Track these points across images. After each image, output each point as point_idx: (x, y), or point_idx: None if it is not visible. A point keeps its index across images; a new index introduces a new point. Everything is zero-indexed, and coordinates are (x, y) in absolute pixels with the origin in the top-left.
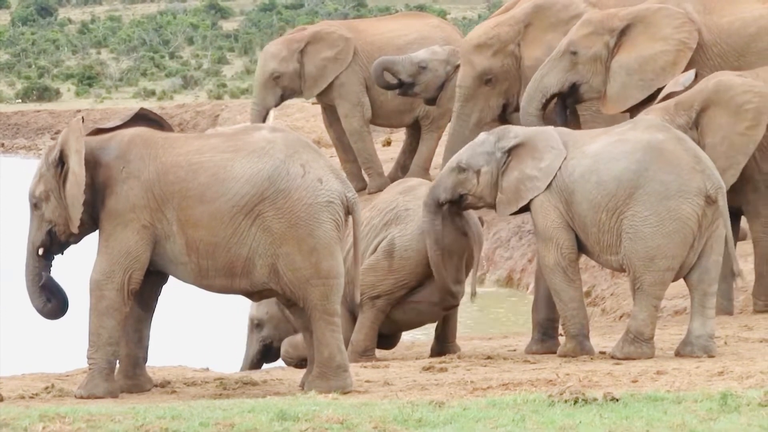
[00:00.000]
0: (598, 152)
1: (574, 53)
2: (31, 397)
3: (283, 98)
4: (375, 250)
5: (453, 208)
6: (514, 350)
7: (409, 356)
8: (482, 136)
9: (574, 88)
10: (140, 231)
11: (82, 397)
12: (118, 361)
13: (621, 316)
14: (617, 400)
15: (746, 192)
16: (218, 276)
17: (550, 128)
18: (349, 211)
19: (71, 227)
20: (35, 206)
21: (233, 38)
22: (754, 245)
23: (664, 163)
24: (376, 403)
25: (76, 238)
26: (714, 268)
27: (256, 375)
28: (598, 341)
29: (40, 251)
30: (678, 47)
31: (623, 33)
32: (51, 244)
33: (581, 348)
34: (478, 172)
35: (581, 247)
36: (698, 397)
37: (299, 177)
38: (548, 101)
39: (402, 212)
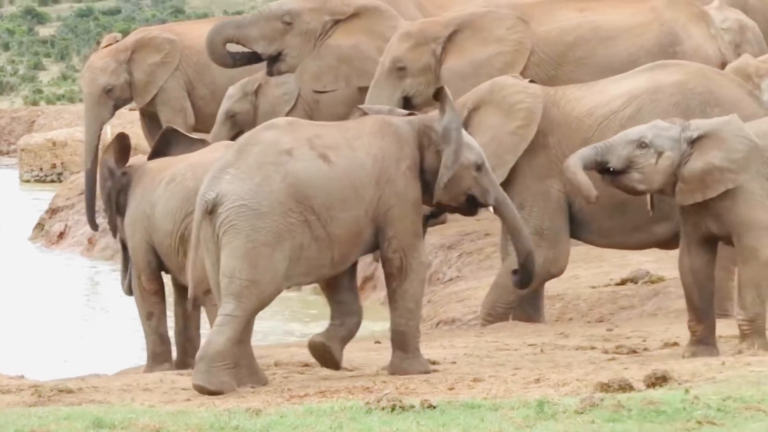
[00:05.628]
0: None
1: (402, 68)
2: None
3: (116, 109)
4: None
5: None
6: None
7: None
8: (665, 123)
9: (406, 102)
10: None
11: None
12: None
13: (438, 323)
14: (434, 407)
15: None
16: None
17: (735, 117)
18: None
19: None
20: None
21: (50, 44)
22: None
23: None
24: (192, 411)
25: None
26: None
27: (71, 383)
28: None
29: None
30: (515, 47)
31: (449, 39)
32: None
33: None
34: (659, 154)
35: None
36: (515, 404)
37: None
38: None
39: None
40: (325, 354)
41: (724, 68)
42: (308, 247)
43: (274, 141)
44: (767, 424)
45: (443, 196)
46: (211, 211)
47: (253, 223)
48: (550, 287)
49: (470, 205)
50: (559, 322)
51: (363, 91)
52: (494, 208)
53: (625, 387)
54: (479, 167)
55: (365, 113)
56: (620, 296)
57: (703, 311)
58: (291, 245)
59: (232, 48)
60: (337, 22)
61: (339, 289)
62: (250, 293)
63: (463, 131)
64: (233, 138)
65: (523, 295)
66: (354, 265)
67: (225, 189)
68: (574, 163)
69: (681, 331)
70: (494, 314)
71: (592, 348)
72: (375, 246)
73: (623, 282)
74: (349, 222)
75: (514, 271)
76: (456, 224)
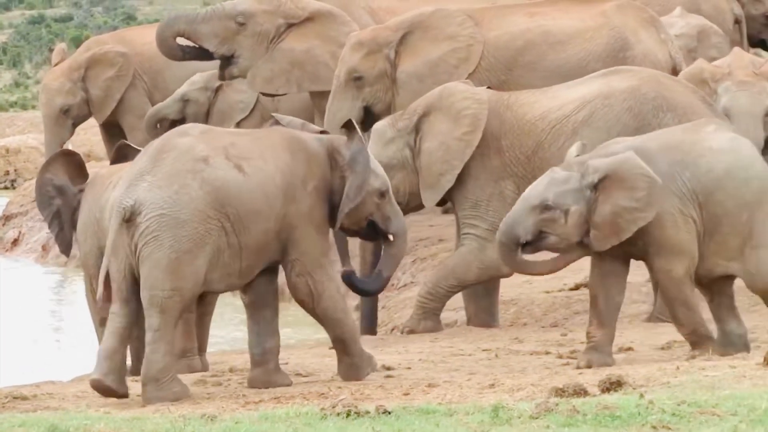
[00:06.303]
0: (733, 149)
1: (359, 78)
2: None
3: (74, 127)
4: None
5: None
6: (286, 363)
7: (180, 370)
8: (562, 172)
9: (368, 112)
10: None
11: None
12: None
13: (392, 329)
14: (389, 413)
15: None
16: None
17: (631, 153)
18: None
19: None
20: None
21: (2, 51)
22: None
23: None
24: (148, 417)
25: None
26: None
27: (26, 390)
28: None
29: None
30: (468, 42)
31: (401, 42)
32: None
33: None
34: (566, 212)
35: None
36: (470, 409)
37: None
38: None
39: None
40: (271, 386)
41: (675, 73)
42: (223, 252)
43: (190, 148)
44: (721, 428)
45: (344, 221)
46: (128, 219)
47: (174, 232)
48: (504, 292)
49: (371, 231)
50: (514, 327)
51: (315, 96)
52: (392, 235)
53: (580, 392)
54: (383, 194)
55: (278, 122)
56: (574, 301)
57: (606, 317)
58: (211, 249)
59: (183, 42)
60: (290, 25)
61: (263, 305)
62: (174, 302)
63: (371, 157)
64: (172, 124)
65: (470, 284)
66: (275, 282)
67: (143, 197)
68: (507, 261)
69: (635, 336)
70: (434, 294)
71: (547, 353)
72: (276, 259)
73: (577, 287)
74: (260, 233)
75: (374, 276)
76: (410, 230)
